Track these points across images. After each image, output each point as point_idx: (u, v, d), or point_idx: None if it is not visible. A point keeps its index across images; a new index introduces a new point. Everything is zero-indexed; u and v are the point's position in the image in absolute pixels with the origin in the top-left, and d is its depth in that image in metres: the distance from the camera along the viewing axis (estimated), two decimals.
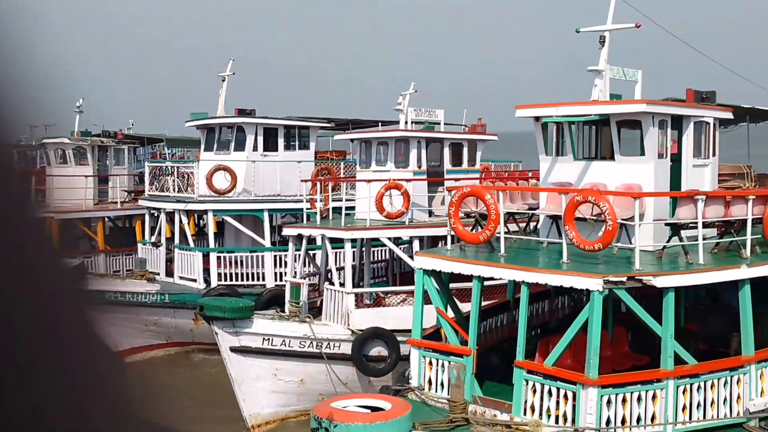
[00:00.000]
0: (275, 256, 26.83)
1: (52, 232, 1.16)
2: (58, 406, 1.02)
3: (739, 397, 13.55)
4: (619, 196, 14.40)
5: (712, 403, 13.26)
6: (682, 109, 15.68)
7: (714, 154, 16.77)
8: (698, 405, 13.10)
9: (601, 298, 12.33)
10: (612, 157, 15.34)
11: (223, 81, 28.93)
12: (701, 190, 14.38)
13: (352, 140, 25.83)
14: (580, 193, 13.38)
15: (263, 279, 26.75)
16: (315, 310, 21.31)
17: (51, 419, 1.01)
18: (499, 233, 14.65)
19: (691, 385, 13.04)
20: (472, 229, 15.52)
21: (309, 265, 24.45)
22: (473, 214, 15.55)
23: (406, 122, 23.74)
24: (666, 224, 14.06)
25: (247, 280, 26.76)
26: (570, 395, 12.43)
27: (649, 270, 13.06)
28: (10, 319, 0.98)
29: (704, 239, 14.05)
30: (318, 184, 22.35)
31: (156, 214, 28.58)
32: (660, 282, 12.63)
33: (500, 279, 15.99)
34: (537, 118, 15.93)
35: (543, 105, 15.72)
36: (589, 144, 16.10)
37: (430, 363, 14.47)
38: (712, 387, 13.25)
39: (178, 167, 28.79)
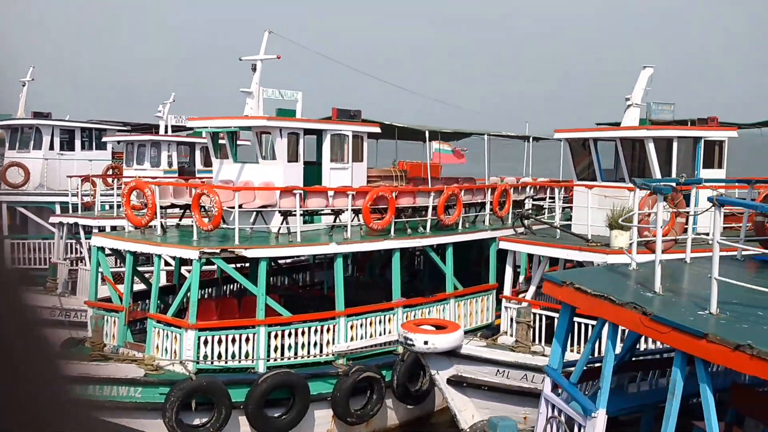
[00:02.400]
0: (66, 243, 30.49)
1: None
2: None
3: (329, 342, 18.04)
4: (262, 191, 18.85)
5: (303, 345, 17.69)
6: (312, 124, 20.24)
7: (359, 160, 21.39)
8: (290, 346, 17.53)
9: (199, 265, 16.67)
10: (257, 161, 19.76)
11: (24, 86, 32.48)
12: (301, 185, 18.88)
13: (118, 142, 29.76)
14: (198, 187, 17.71)
15: None
16: None
17: None
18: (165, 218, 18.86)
19: (283, 331, 17.46)
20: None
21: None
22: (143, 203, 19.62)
23: (166, 127, 27.90)
24: (279, 212, 18.48)
25: (40, 264, 30.27)
26: (179, 337, 16.70)
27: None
28: None
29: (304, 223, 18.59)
30: (79, 179, 26.24)
31: None
32: (250, 253, 17.06)
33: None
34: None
35: (209, 118, 20.00)
36: (251, 149, 20.50)
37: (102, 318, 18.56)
38: (303, 333, 17.69)
39: None
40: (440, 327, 16.58)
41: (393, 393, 18.61)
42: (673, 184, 11.76)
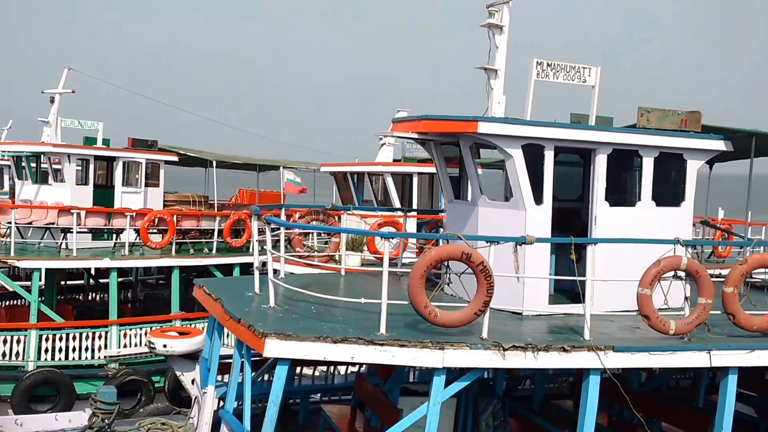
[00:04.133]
0: None
1: None
2: None
3: (101, 347, 20.11)
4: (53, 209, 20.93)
5: (75, 349, 19.72)
6: (102, 152, 22.48)
7: (155, 185, 23.67)
8: (60, 349, 19.52)
9: None
10: (48, 183, 21.89)
11: None
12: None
13: None
14: None
15: None
16: None
17: None
18: None
19: (54, 335, 19.46)
20: None
21: None
22: None
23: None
24: (60, 229, 20.57)
25: None
26: None
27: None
28: None
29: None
30: None
31: None
32: (23, 264, 19.14)
33: None
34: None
35: (4, 143, 22.04)
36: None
37: None
38: (74, 338, 19.72)
39: None
40: (186, 334, 18.81)
41: (165, 396, 20.70)
42: (325, 207, 14.34)
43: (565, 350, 9.36)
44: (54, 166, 22.09)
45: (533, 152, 11.25)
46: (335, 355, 9.17)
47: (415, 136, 11.83)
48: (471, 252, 9.25)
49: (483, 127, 10.86)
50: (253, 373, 13.54)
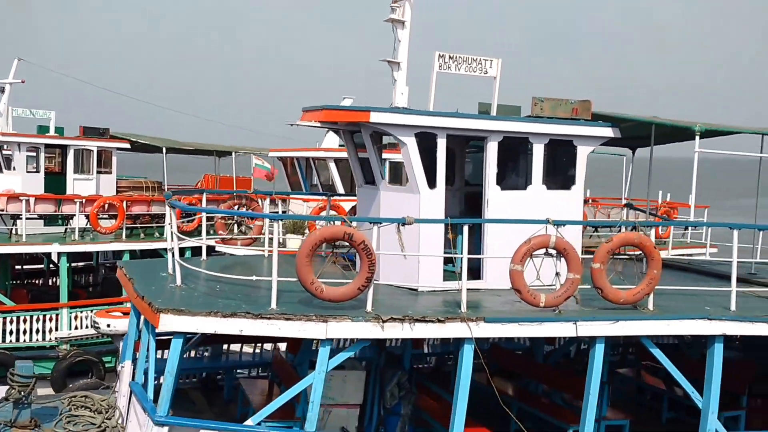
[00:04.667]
0: None
1: None
2: None
3: (51, 329, 20.85)
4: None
5: (25, 331, 20.46)
6: (53, 140, 23.17)
7: (107, 172, 24.36)
8: (11, 332, 20.26)
9: None
10: (1, 171, 22.59)
11: None
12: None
13: None
14: None
15: None
16: None
17: None
18: None
19: (5, 318, 20.19)
20: None
21: None
22: None
23: None
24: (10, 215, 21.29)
25: None
26: None
27: None
28: None
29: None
30: None
31: None
32: None
33: None
34: None
35: None
36: None
37: None
38: (25, 321, 20.46)
39: None
40: None
41: (116, 375, 21.45)
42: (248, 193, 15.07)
43: (439, 321, 10.07)
44: (5, 153, 22.76)
45: (428, 140, 11.95)
46: (225, 328, 9.84)
47: (318, 124, 12.55)
48: (352, 232, 9.95)
49: (375, 117, 11.58)
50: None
